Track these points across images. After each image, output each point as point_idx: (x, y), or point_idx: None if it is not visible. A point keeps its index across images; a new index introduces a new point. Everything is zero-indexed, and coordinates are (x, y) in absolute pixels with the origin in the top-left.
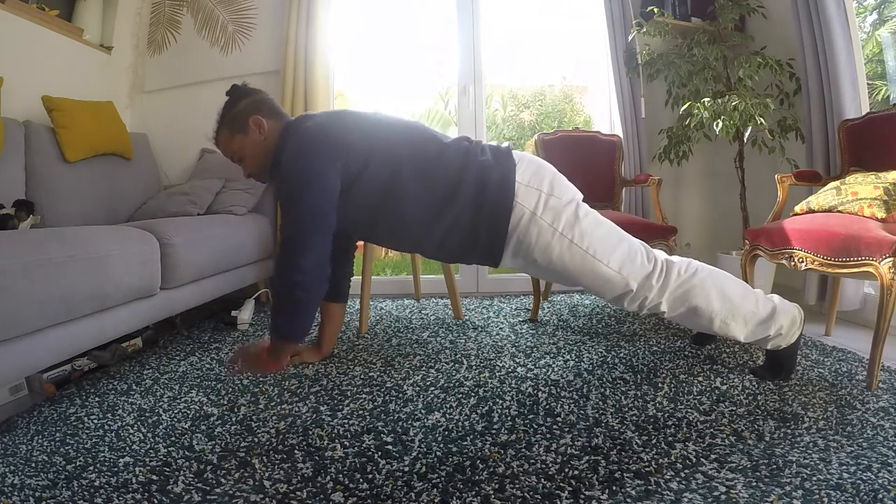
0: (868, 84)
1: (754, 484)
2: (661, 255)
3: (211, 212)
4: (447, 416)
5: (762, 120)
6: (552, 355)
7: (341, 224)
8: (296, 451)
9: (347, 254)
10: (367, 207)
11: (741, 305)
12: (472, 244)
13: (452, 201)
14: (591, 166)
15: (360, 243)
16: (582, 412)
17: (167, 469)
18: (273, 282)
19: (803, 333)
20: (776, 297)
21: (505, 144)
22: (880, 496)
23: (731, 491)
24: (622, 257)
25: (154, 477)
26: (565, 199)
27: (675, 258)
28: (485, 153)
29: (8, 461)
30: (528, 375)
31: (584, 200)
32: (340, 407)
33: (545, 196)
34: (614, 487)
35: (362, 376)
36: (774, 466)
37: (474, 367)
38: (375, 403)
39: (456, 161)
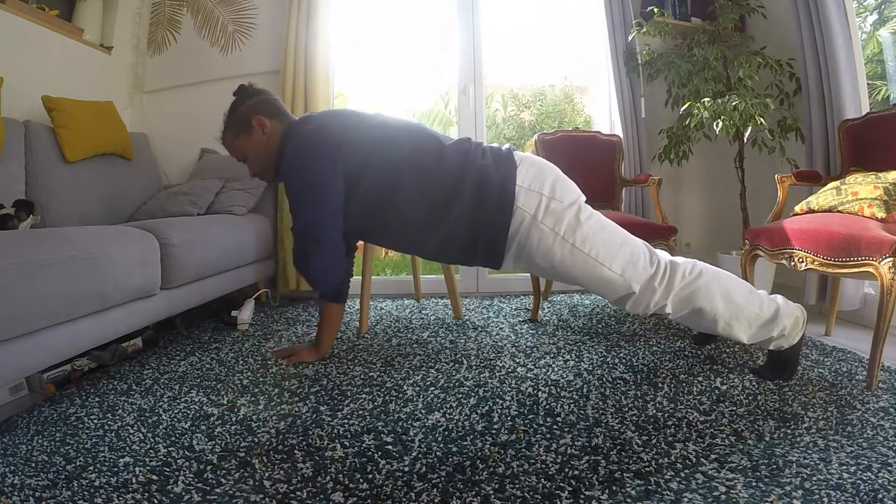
0: (868, 84)
1: (754, 484)
2: (664, 256)
3: (211, 212)
4: (447, 416)
5: (762, 120)
6: (552, 355)
7: (343, 224)
8: (296, 451)
9: (348, 255)
10: (367, 209)
11: (745, 307)
12: (472, 247)
13: (451, 204)
14: (591, 166)
15: (360, 243)
16: (582, 412)
17: (167, 469)
18: (296, 264)
19: (805, 334)
20: (780, 298)
21: (506, 146)
22: (880, 496)
23: (731, 491)
24: (625, 260)
25: (154, 477)
26: (567, 202)
27: (679, 259)
28: (485, 156)
29: (8, 461)
30: (528, 375)
31: (585, 201)
32: (340, 407)
33: (546, 200)
34: (614, 487)
35: (362, 376)
36: (774, 466)
37: (474, 367)
38: (375, 403)
39: (455, 164)
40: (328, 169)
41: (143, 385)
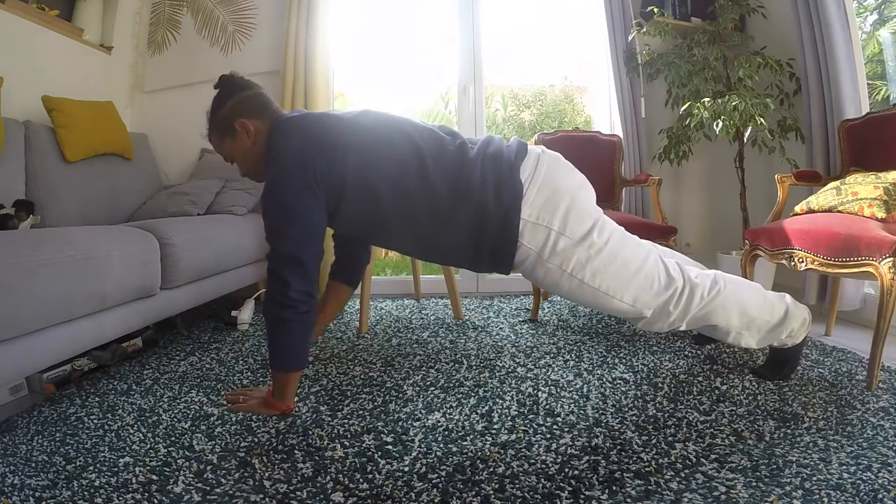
0: (868, 84)
1: (754, 484)
2: (681, 275)
3: (211, 212)
4: (447, 416)
5: (762, 120)
6: (552, 355)
7: (340, 229)
8: (296, 451)
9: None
10: (356, 229)
11: (758, 318)
12: (476, 262)
13: (445, 232)
14: (591, 166)
15: None
16: (582, 412)
17: (167, 469)
18: (265, 315)
19: (807, 334)
20: (788, 299)
21: (511, 152)
22: (880, 496)
23: (731, 491)
24: (637, 289)
25: (154, 477)
26: (579, 236)
27: (697, 278)
28: (485, 185)
29: (8, 461)
30: (528, 375)
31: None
32: (340, 407)
33: (555, 236)
34: (614, 487)
35: (362, 376)
36: (774, 466)
37: (474, 367)
38: (375, 403)
39: (445, 192)
40: (305, 194)
41: (143, 385)
